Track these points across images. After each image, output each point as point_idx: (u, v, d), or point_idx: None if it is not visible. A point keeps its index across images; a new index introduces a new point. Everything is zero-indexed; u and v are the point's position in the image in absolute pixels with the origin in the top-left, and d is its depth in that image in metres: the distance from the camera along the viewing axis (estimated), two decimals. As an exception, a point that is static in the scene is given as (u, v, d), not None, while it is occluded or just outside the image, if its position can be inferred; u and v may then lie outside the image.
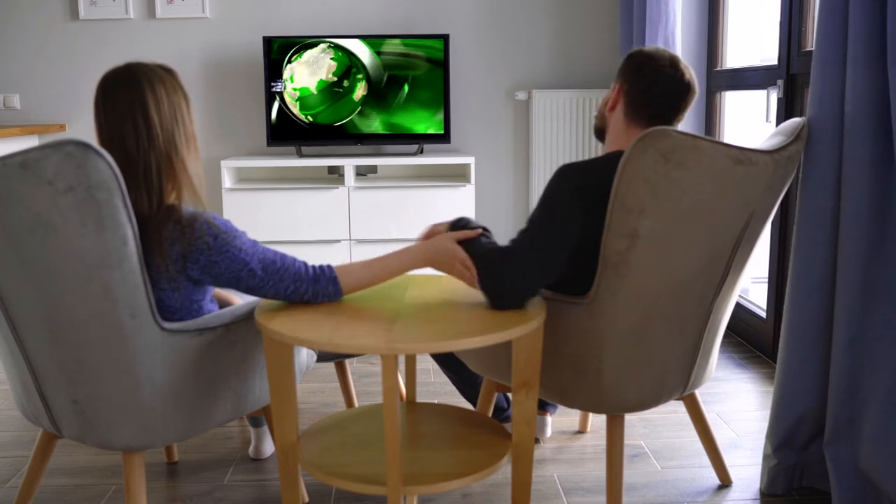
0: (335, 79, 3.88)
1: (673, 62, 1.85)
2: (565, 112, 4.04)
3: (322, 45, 3.86)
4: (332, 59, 3.85)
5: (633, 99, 1.86)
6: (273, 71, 3.87)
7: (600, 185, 1.76)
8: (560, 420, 2.60)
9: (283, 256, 1.75)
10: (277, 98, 3.88)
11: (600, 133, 1.99)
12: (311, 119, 3.90)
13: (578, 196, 1.75)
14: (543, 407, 2.45)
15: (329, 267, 1.77)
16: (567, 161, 4.08)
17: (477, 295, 1.86)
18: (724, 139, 3.64)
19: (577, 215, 1.75)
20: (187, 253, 1.69)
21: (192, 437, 1.83)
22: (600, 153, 2.02)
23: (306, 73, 3.87)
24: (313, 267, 1.77)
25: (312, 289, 1.75)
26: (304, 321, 1.66)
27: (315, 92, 3.89)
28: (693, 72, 1.88)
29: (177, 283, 1.72)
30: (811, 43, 2.83)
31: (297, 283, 1.74)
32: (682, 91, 1.85)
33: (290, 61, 3.86)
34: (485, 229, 1.85)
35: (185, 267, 1.70)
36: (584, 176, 1.77)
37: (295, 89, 3.88)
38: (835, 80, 1.91)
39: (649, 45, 1.89)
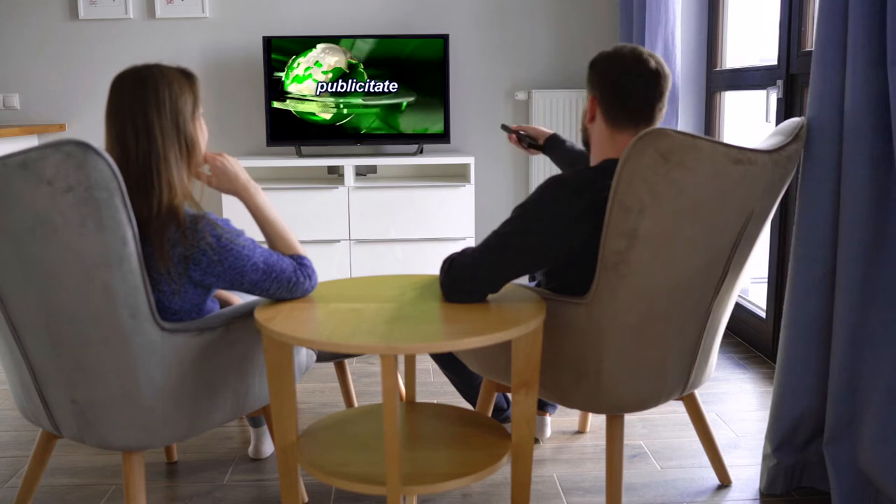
0: (335, 79, 3.88)
1: (635, 55, 1.84)
2: (565, 112, 4.04)
3: (322, 45, 3.86)
4: (332, 59, 3.85)
5: (609, 104, 1.86)
6: (273, 71, 3.87)
7: (597, 194, 1.77)
8: (560, 420, 2.60)
9: (274, 252, 1.81)
10: (277, 98, 3.88)
11: (589, 144, 1.99)
12: (315, 118, 3.90)
13: (562, 214, 1.76)
14: (543, 407, 2.45)
15: (288, 257, 1.83)
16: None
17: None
18: (723, 139, 3.63)
19: (552, 234, 1.77)
20: (190, 255, 1.69)
21: (192, 437, 1.83)
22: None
23: (306, 74, 3.87)
24: (290, 261, 1.82)
25: (303, 272, 1.82)
26: (304, 321, 1.66)
27: (315, 92, 3.89)
28: (660, 58, 1.87)
29: (178, 286, 1.72)
30: (811, 43, 2.83)
31: (294, 272, 1.80)
32: (652, 80, 1.83)
33: (289, 61, 3.86)
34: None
35: (186, 269, 1.70)
36: (576, 190, 1.78)
37: (297, 80, 3.89)
38: (835, 80, 1.90)
39: (611, 47, 1.89)
